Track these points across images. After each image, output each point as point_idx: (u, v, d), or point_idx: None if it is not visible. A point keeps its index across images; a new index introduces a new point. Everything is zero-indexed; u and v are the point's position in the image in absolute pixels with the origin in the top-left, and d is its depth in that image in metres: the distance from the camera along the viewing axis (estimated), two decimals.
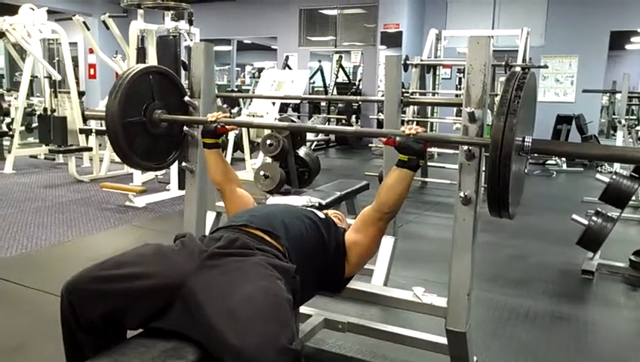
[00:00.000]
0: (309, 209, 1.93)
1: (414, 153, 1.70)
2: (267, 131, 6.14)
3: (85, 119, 7.41)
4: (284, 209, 1.84)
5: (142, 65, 2.22)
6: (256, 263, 1.46)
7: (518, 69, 6.60)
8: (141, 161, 2.15)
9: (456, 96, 7.98)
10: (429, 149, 6.59)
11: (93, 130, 6.59)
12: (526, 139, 1.58)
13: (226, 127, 2.05)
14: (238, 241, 1.53)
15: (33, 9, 6.65)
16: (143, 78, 2.09)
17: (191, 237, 1.58)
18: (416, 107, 6.44)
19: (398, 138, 1.72)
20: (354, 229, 1.85)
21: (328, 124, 10.49)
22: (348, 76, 12.02)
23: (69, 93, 6.99)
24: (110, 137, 2.03)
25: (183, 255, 1.48)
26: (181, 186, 5.32)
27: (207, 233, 2.31)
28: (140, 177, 5.63)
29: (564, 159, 8.28)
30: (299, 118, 9.50)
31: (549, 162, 8.55)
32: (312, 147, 9.37)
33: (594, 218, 3.39)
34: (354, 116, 10.65)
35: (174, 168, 5.41)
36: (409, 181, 1.73)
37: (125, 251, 1.51)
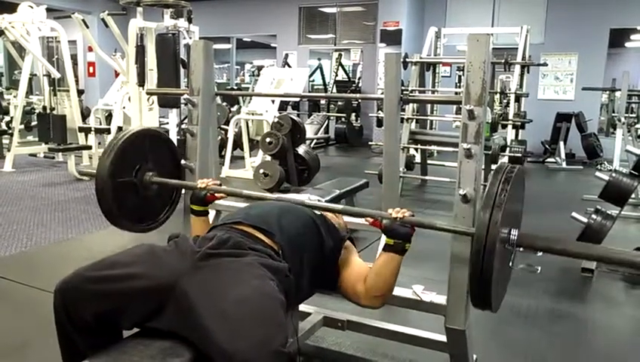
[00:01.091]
0: (306, 207, 1.92)
1: (400, 237, 1.65)
2: (267, 129, 6.14)
3: (86, 116, 7.42)
4: (280, 206, 1.83)
5: (138, 128, 2.20)
6: (248, 263, 1.45)
7: (518, 67, 6.60)
8: (129, 224, 2.10)
9: (456, 93, 7.98)
10: (428, 147, 6.60)
11: (93, 129, 6.59)
12: (512, 233, 1.55)
13: (216, 194, 1.98)
14: (231, 241, 1.52)
15: (32, 7, 6.64)
16: (137, 140, 2.05)
17: (184, 238, 1.58)
18: (415, 105, 6.44)
19: (384, 221, 1.67)
20: (349, 278, 1.77)
21: (328, 122, 10.53)
22: (347, 74, 12.01)
23: (68, 91, 6.98)
24: (99, 199, 1.97)
25: (175, 256, 1.47)
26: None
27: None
28: None
29: (563, 157, 8.30)
30: (298, 116, 9.48)
31: (548, 160, 8.55)
32: (312, 145, 9.37)
33: (593, 216, 3.39)
34: (353, 114, 10.65)
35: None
36: (396, 266, 1.68)
37: (119, 252, 1.51)
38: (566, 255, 1.57)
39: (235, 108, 8.45)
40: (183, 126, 2.03)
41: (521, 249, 1.57)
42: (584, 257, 1.61)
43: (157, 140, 2.17)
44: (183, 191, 2.21)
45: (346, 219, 2.06)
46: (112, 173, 1.94)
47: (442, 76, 9.23)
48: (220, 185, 2.01)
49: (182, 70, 5.36)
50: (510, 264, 1.64)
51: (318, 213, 1.87)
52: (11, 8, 6.81)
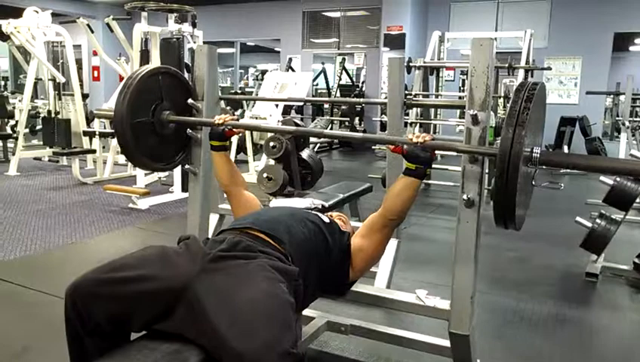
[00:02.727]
0: (313, 213, 1.92)
1: (422, 161, 1.68)
2: (270, 133, 6.15)
3: (90, 120, 7.44)
4: (288, 212, 1.83)
5: (151, 66, 2.21)
6: (258, 266, 1.46)
7: (521, 71, 6.60)
8: (148, 162, 2.15)
9: (460, 98, 7.97)
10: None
11: (97, 133, 6.61)
12: (534, 151, 1.56)
13: (234, 130, 2.04)
14: (241, 244, 1.53)
15: (37, 12, 6.68)
16: (152, 79, 2.08)
17: (194, 240, 1.59)
18: (419, 109, 6.44)
19: (405, 146, 1.70)
20: (360, 235, 1.85)
21: (331, 127, 10.53)
22: (351, 78, 12.01)
23: (73, 95, 7.02)
24: (118, 137, 2.02)
25: (186, 258, 1.48)
26: (184, 188, 5.32)
27: (210, 235, 2.31)
28: (143, 179, 5.64)
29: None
30: (302, 120, 9.51)
31: None
32: (315, 149, 9.37)
33: (598, 220, 3.38)
34: (357, 118, 10.65)
35: (177, 170, 5.42)
36: (416, 189, 1.72)
37: (129, 253, 1.51)
38: (590, 169, 1.62)
39: (238, 113, 8.46)
40: (187, 130, 2.07)
41: (544, 166, 1.57)
42: (609, 171, 1.65)
43: (171, 78, 2.18)
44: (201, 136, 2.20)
45: (352, 224, 2.07)
46: (130, 113, 1.97)
47: (446, 80, 9.23)
48: (237, 120, 2.05)
49: (186, 74, 5.38)
50: (532, 182, 1.64)
51: (326, 219, 1.87)
52: (17, 13, 6.85)
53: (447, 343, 1.89)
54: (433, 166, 7.02)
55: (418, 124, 6.36)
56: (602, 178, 3.51)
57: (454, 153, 5.90)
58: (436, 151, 6.78)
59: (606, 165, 1.68)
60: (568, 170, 8.08)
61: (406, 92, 2.73)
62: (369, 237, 1.81)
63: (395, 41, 9.91)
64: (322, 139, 10.10)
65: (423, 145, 1.67)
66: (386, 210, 1.77)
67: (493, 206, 1.56)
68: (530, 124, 1.49)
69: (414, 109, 6.20)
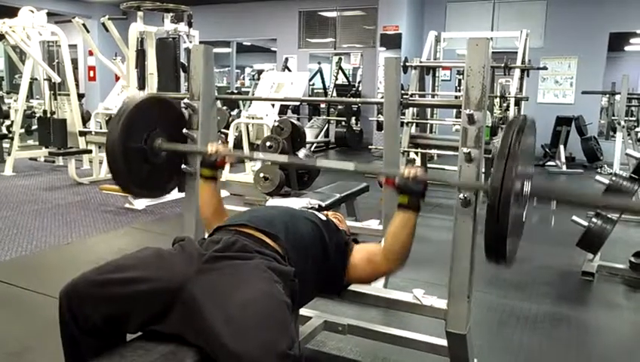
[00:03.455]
0: (309, 211, 1.92)
1: (414, 193, 1.65)
2: (267, 133, 6.14)
3: (86, 120, 7.42)
4: (284, 210, 1.83)
5: (147, 94, 2.21)
6: (254, 266, 1.46)
7: (517, 70, 6.61)
8: (140, 190, 2.12)
9: (456, 97, 7.99)
10: (428, 151, 6.60)
11: (93, 133, 6.59)
12: (525, 185, 1.56)
13: (225, 158, 1.99)
14: (237, 244, 1.53)
15: (33, 11, 6.66)
16: (147, 106, 2.07)
17: (190, 241, 1.58)
18: (415, 109, 6.45)
19: (397, 179, 1.68)
20: (363, 257, 1.80)
21: (328, 126, 10.54)
22: (347, 78, 12.02)
23: (68, 95, 6.99)
24: (110, 163, 1.99)
25: (182, 259, 1.47)
26: (181, 189, 5.30)
27: (206, 235, 2.31)
28: None
29: (564, 160, 8.29)
30: (298, 120, 9.49)
31: (548, 163, 8.55)
32: (312, 149, 9.37)
33: (594, 219, 3.39)
34: (354, 118, 10.66)
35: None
36: (412, 225, 1.68)
37: (124, 255, 1.51)
38: (578, 205, 1.60)
39: (235, 112, 8.46)
40: (184, 130, 2.07)
41: (535, 201, 1.57)
42: (595, 206, 1.65)
43: (165, 106, 2.17)
44: (196, 168, 2.19)
45: (349, 223, 2.07)
46: (122, 139, 1.95)
47: (442, 80, 9.23)
48: (230, 150, 2.02)
49: (182, 74, 5.38)
50: (523, 218, 1.63)
51: (323, 217, 1.87)
52: (12, 13, 6.82)
53: (444, 342, 1.89)
54: (430, 166, 7.03)
55: (414, 124, 6.36)
56: (598, 177, 3.52)
57: (450, 153, 5.88)
58: (433, 151, 6.76)
59: (599, 202, 1.68)
60: (565, 170, 8.11)
61: (402, 92, 2.73)
62: (366, 264, 1.78)
63: (392, 41, 9.91)
64: (319, 138, 10.11)
65: (415, 178, 1.65)
66: (386, 250, 1.73)
67: (484, 241, 1.55)
68: (521, 159, 1.49)
69: (411, 109, 6.20)
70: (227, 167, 6.77)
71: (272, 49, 13.76)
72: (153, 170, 2.11)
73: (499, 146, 1.51)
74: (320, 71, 11.19)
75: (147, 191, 2.16)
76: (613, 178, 3.43)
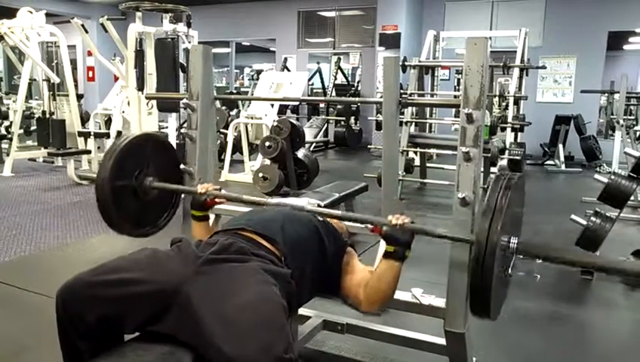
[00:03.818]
0: (308, 212, 1.92)
1: (400, 244, 1.65)
2: (266, 133, 6.15)
3: (85, 121, 7.42)
4: (282, 213, 1.83)
5: (139, 133, 2.20)
6: (251, 269, 1.46)
7: (516, 70, 6.61)
8: (129, 228, 2.08)
9: (455, 97, 7.99)
10: (427, 150, 6.61)
11: (92, 133, 6.60)
12: (512, 241, 1.55)
13: (215, 199, 1.98)
14: (233, 246, 1.52)
15: (32, 12, 6.65)
16: (138, 145, 2.05)
17: (187, 243, 1.58)
18: (414, 108, 6.46)
19: (384, 228, 1.67)
20: (352, 286, 1.77)
21: (327, 126, 10.54)
22: (346, 77, 12.02)
23: (67, 95, 6.99)
24: (99, 202, 1.96)
25: (178, 260, 1.47)
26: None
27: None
28: None
29: (562, 159, 8.30)
30: (298, 120, 9.50)
31: (547, 162, 8.56)
32: (311, 149, 9.38)
33: (593, 218, 3.39)
34: (353, 117, 10.66)
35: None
36: (396, 272, 1.67)
37: (121, 256, 1.50)
38: (564, 263, 1.57)
39: (234, 112, 8.46)
40: (182, 130, 2.04)
41: (521, 257, 1.57)
42: (582, 266, 1.61)
43: (158, 145, 2.15)
44: (183, 195, 2.21)
45: (346, 222, 2.07)
46: (113, 177, 1.93)
47: (441, 79, 9.25)
48: (220, 189, 2.01)
49: (181, 74, 5.37)
50: (509, 271, 1.63)
51: (321, 218, 1.87)
52: (11, 13, 6.82)
53: (442, 341, 1.89)
54: (428, 165, 7.04)
55: (413, 123, 6.37)
56: (597, 176, 3.52)
57: (449, 152, 5.87)
58: (432, 151, 6.76)
59: (585, 261, 1.68)
60: (563, 169, 8.11)
61: (401, 91, 2.73)
62: (352, 291, 1.76)
63: (391, 41, 9.92)
64: (318, 138, 10.12)
65: (402, 227, 1.64)
66: (369, 291, 1.70)
67: (470, 299, 1.55)
68: (508, 214, 1.49)
69: (410, 108, 6.21)
70: (226, 166, 6.77)
71: (271, 49, 13.76)
72: (144, 207, 2.09)
73: (486, 200, 1.51)
74: (319, 71, 11.19)
75: (137, 228, 2.11)
76: (612, 177, 3.43)
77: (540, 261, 1.57)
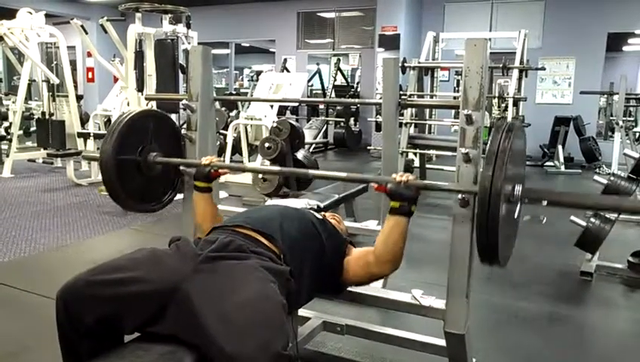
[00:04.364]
0: (307, 211, 1.93)
1: (405, 199, 1.68)
2: (265, 134, 6.14)
3: (84, 121, 7.42)
4: (281, 210, 1.83)
5: (141, 108, 2.22)
6: (250, 266, 1.46)
7: (515, 71, 6.62)
8: (132, 202, 2.10)
9: (454, 98, 7.99)
10: (427, 151, 6.62)
11: (92, 134, 6.59)
12: (516, 186, 1.56)
13: (220, 171, 2.01)
14: (232, 244, 1.53)
15: (31, 13, 6.65)
16: (141, 121, 2.07)
17: (185, 241, 1.58)
18: (414, 109, 6.46)
19: (389, 185, 1.70)
20: (358, 260, 1.81)
21: (327, 127, 10.54)
22: (346, 79, 12.02)
23: (67, 96, 6.99)
24: (103, 174, 1.99)
25: (177, 259, 1.48)
26: (179, 190, 5.31)
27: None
28: None
29: (562, 160, 8.30)
30: (297, 121, 9.50)
31: (547, 164, 8.57)
32: (311, 150, 9.38)
33: (592, 219, 3.39)
34: (352, 119, 10.67)
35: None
36: (403, 228, 1.70)
37: (120, 256, 1.51)
38: (574, 206, 1.63)
39: (233, 113, 8.45)
40: (182, 131, 2.05)
41: (526, 201, 1.58)
42: (594, 208, 1.68)
43: (160, 121, 2.18)
44: (187, 179, 2.19)
45: (347, 224, 2.07)
46: (116, 152, 1.95)
47: (440, 81, 9.25)
48: (223, 161, 2.03)
49: (181, 75, 5.38)
50: (516, 216, 1.64)
51: (319, 217, 1.87)
52: (10, 14, 6.82)
53: (442, 342, 1.89)
54: (428, 166, 7.03)
55: (413, 124, 6.37)
56: (596, 177, 3.53)
57: (449, 153, 5.90)
58: (431, 152, 6.77)
59: (587, 202, 1.70)
60: (563, 170, 8.12)
61: (401, 92, 2.73)
62: (360, 268, 1.79)
63: (390, 42, 9.92)
64: (318, 139, 10.12)
65: (407, 184, 1.67)
66: (377, 254, 1.74)
67: (477, 245, 1.56)
68: (511, 161, 1.49)
69: (409, 109, 6.21)
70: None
71: (271, 50, 13.76)
72: (149, 182, 2.11)
73: (487, 148, 1.52)
74: (319, 72, 11.20)
75: (142, 204, 2.14)
76: (612, 178, 3.44)
77: (545, 203, 1.57)
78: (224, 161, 6.66)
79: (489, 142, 1.53)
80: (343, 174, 1.92)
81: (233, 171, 2.06)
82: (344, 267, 1.80)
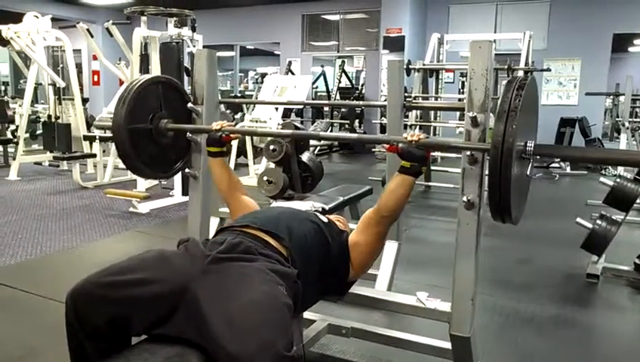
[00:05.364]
0: (312, 212, 1.93)
1: (416, 159, 1.72)
2: (270, 137, 6.16)
3: (90, 125, 7.45)
4: (287, 212, 1.84)
5: (150, 75, 2.24)
6: (257, 269, 1.46)
7: (521, 72, 6.60)
8: (146, 169, 2.17)
9: (459, 100, 7.98)
10: (432, 153, 6.61)
11: (97, 137, 6.62)
12: (528, 143, 1.57)
13: (231, 135, 2.05)
14: (241, 246, 1.53)
15: (37, 17, 6.69)
16: (151, 88, 2.11)
17: (194, 242, 1.59)
18: (418, 111, 6.45)
19: (400, 144, 1.73)
20: (356, 231, 1.87)
21: (331, 129, 10.54)
22: (351, 81, 12.04)
23: (73, 100, 7.02)
24: (116, 143, 2.05)
25: (185, 260, 1.48)
26: (185, 192, 5.32)
27: (211, 235, 2.31)
28: (143, 183, 5.65)
29: (567, 162, 8.27)
30: (302, 123, 9.51)
31: (553, 165, 8.54)
32: (316, 152, 9.38)
33: (598, 221, 3.38)
34: (357, 121, 10.67)
35: (178, 174, 5.43)
36: (410, 186, 1.75)
37: (128, 257, 1.51)
38: (583, 160, 1.68)
39: (238, 116, 8.48)
40: (187, 134, 2.07)
41: (538, 157, 1.59)
42: (601, 161, 1.74)
43: (169, 87, 2.21)
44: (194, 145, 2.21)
45: (352, 227, 2.07)
46: (128, 121, 1.99)
47: (445, 82, 9.22)
48: (235, 125, 2.05)
49: (186, 78, 5.39)
50: (527, 173, 1.64)
51: (325, 220, 1.88)
52: (17, 18, 6.86)
53: (448, 345, 1.88)
54: (433, 168, 7.02)
55: (418, 126, 6.36)
56: (602, 179, 3.51)
57: (454, 155, 5.91)
58: (436, 153, 6.77)
59: (597, 156, 1.71)
60: (569, 172, 8.09)
61: (405, 94, 2.73)
62: (364, 232, 1.84)
63: (395, 44, 9.92)
64: (322, 142, 10.11)
65: (418, 143, 1.70)
66: (379, 207, 1.79)
67: (489, 200, 1.56)
68: (523, 115, 1.49)
69: (414, 111, 6.21)
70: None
71: (276, 52, 13.80)
72: (161, 149, 2.17)
73: (499, 103, 1.51)
74: (323, 74, 11.21)
75: (154, 169, 2.21)
76: (618, 180, 3.42)
77: (558, 160, 1.59)
78: (229, 163, 6.69)
79: (500, 98, 1.53)
80: (355, 136, 1.95)
81: (244, 135, 2.12)
82: (351, 250, 1.83)
